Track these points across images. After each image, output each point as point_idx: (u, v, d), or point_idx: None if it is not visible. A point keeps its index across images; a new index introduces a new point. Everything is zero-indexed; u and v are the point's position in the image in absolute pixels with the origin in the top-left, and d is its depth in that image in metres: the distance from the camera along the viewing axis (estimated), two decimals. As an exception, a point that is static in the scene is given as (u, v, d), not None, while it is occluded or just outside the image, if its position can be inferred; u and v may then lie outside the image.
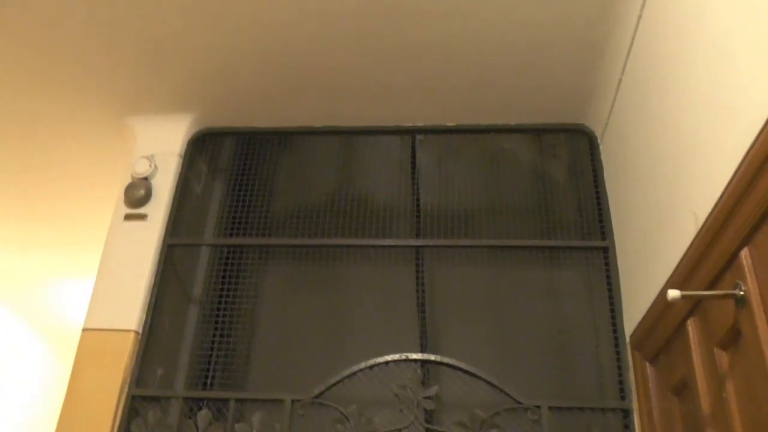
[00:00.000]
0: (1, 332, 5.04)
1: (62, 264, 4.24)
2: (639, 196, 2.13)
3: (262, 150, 2.84)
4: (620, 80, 2.30)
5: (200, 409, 2.30)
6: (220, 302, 2.57)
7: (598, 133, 2.64)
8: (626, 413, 2.16)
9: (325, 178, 2.80)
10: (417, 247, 2.53)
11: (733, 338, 1.45)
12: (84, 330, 2.42)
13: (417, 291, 2.51)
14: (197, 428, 2.25)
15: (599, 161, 2.60)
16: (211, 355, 2.51)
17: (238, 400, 2.29)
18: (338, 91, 2.66)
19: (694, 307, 1.66)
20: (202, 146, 2.87)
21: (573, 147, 2.71)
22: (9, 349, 5.11)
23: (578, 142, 2.70)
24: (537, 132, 2.74)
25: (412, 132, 2.79)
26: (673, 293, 1.40)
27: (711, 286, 1.54)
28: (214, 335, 2.54)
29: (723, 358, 1.51)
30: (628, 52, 2.20)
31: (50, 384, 5.62)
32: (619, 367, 2.23)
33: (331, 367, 2.32)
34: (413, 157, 2.77)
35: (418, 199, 2.67)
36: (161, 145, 2.76)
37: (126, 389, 2.32)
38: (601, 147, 2.62)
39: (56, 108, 2.83)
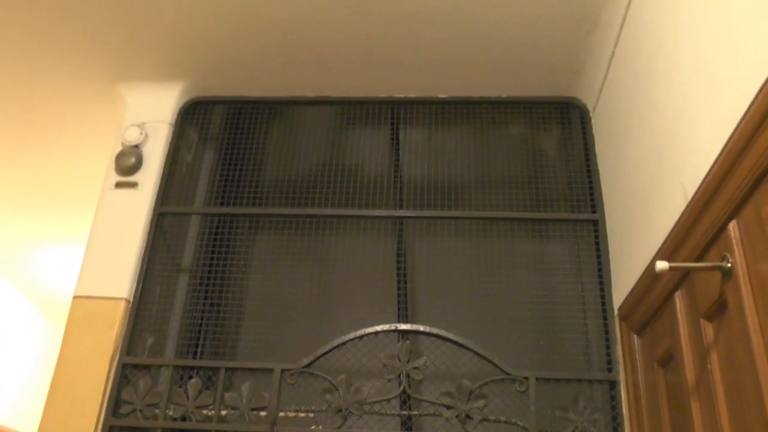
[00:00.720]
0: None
1: (52, 228, 4.23)
2: (629, 169, 2.14)
3: (252, 119, 2.83)
4: (613, 53, 2.30)
5: (190, 377, 2.31)
6: (209, 271, 2.57)
7: (589, 107, 2.64)
8: (612, 384, 2.18)
9: (316, 149, 2.79)
10: (403, 217, 2.54)
11: (719, 310, 1.47)
12: (75, 297, 2.42)
13: (400, 262, 2.52)
14: (187, 396, 2.27)
15: (590, 134, 2.60)
16: (200, 324, 2.52)
17: (228, 369, 2.30)
18: (330, 62, 2.65)
19: (681, 279, 1.67)
20: (193, 115, 2.85)
21: (564, 120, 2.71)
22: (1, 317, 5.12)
23: (570, 116, 2.70)
24: (528, 105, 2.73)
25: (402, 103, 2.78)
26: (661, 264, 1.41)
27: (699, 259, 1.55)
28: (203, 304, 2.55)
29: (709, 329, 1.52)
30: (621, 25, 2.19)
31: (42, 351, 5.63)
32: (607, 339, 2.25)
33: (320, 337, 2.34)
34: (397, 128, 2.77)
35: (400, 171, 2.67)
36: (152, 113, 2.75)
37: (117, 357, 2.33)
38: (592, 120, 2.62)
39: (46, 73, 2.81)
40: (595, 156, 2.55)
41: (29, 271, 4.95)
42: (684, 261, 1.60)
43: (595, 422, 2.14)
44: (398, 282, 2.50)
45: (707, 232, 1.49)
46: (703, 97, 1.53)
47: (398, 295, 2.47)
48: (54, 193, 3.76)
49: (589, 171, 2.54)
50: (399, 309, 2.45)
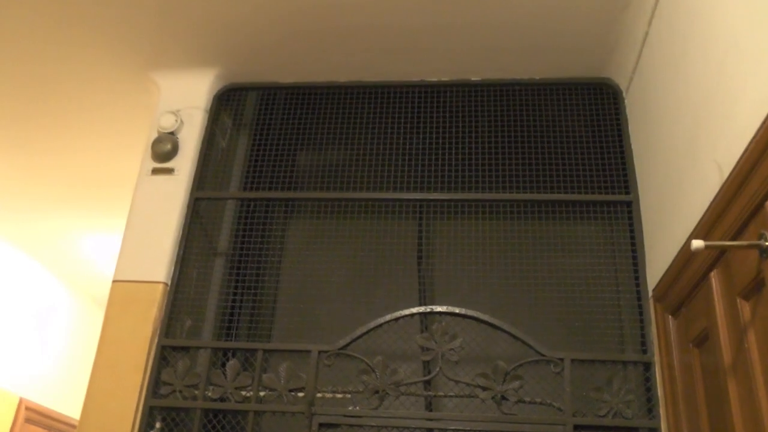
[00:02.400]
0: (36, 287, 5.14)
1: (90, 215, 4.30)
2: (663, 149, 2.12)
3: (286, 105, 2.85)
4: (646, 33, 2.28)
5: (227, 359, 2.35)
6: (245, 255, 2.61)
7: (623, 87, 2.62)
8: (647, 366, 2.18)
9: (350, 133, 2.81)
10: (436, 200, 2.54)
11: (756, 288, 1.46)
12: (114, 282, 2.47)
13: (431, 245, 2.54)
14: (226, 377, 2.31)
15: (624, 115, 2.59)
16: (237, 307, 2.56)
17: (265, 351, 2.34)
18: (363, 46, 2.66)
19: (717, 258, 1.67)
20: (227, 101, 2.89)
21: (598, 101, 2.69)
22: (43, 303, 5.22)
23: (603, 97, 2.68)
24: (561, 86, 2.72)
25: (437, 87, 2.79)
26: (697, 243, 1.41)
27: (735, 237, 1.54)
28: (238, 287, 2.59)
29: (746, 308, 1.52)
30: (655, 4, 2.17)
31: (84, 336, 5.75)
32: (641, 321, 2.25)
33: (354, 320, 2.36)
34: (429, 112, 2.76)
35: (428, 154, 2.67)
36: (186, 99, 2.78)
37: (156, 339, 2.38)
38: (626, 101, 2.61)
39: (81, 64, 2.86)
40: (628, 137, 2.54)
41: (69, 259, 5.05)
42: (720, 240, 1.60)
43: (629, 404, 2.14)
44: (424, 265, 2.52)
45: (744, 211, 1.48)
46: (739, 75, 1.51)
47: (428, 278, 2.49)
48: (91, 180, 3.83)
49: (622, 152, 2.53)
50: (432, 291, 2.47)
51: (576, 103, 2.71)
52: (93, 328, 5.66)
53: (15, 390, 4.82)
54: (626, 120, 2.57)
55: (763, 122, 1.37)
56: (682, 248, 1.86)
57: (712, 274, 1.70)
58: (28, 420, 4.93)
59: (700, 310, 1.80)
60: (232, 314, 2.56)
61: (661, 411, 2.08)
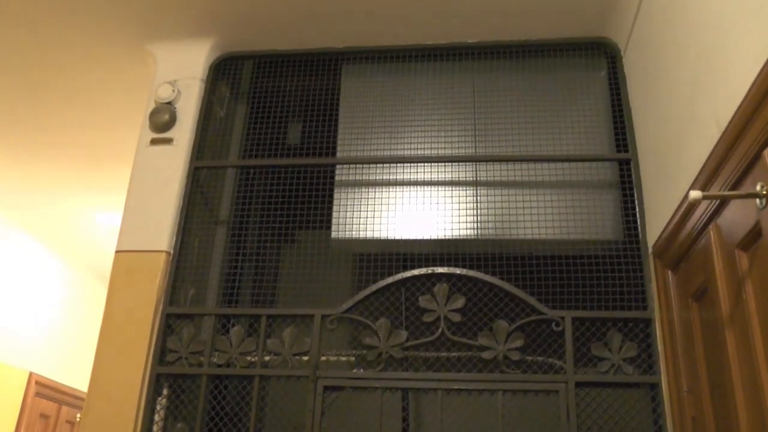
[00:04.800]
0: (38, 264, 5.18)
1: (89, 190, 4.31)
2: (662, 107, 2.12)
3: (283, 72, 2.85)
4: (643, -11, 2.26)
5: (232, 326, 2.37)
6: (246, 222, 2.62)
7: (621, 46, 2.61)
8: (647, 322, 2.20)
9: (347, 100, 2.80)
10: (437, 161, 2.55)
11: (753, 239, 1.47)
12: (117, 252, 2.48)
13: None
14: (231, 343, 2.33)
15: (622, 74, 2.58)
16: (239, 274, 2.58)
17: (269, 317, 2.36)
18: (358, 11, 2.64)
19: (715, 211, 1.67)
20: (224, 70, 2.88)
21: (595, 61, 2.68)
22: (46, 279, 5.26)
23: (601, 56, 2.67)
24: (559, 47, 2.71)
25: (432, 50, 2.77)
26: (695, 194, 1.42)
27: (734, 188, 1.55)
28: (240, 254, 2.60)
29: (743, 259, 1.53)
30: (652, -41, 2.16)
31: (88, 308, 5.80)
32: (642, 277, 2.26)
33: (356, 282, 2.38)
34: (419, 76, 2.76)
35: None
36: (183, 70, 2.77)
37: (160, 308, 2.40)
38: (624, 60, 2.60)
39: (76, 36, 2.85)
40: (627, 95, 2.53)
41: (71, 234, 5.07)
42: (718, 191, 1.60)
43: (630, 360, 2.16)
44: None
45: (741, 162, 1.48)
46: (735, 29, 1.51)
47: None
48: (92, 155, 3.83)
49: (621, 111, 2.53)
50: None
51: (574, 63, 2.69)
52: (97, 300, 5.70)
53: (24, 365, 4.87)
54: (624, 79, 2.57)
55: (759, 73, 1.37)
56: (681, 202, 1.87)
57: (711, 226, 1.71)
58: (38, 394, 4.99)
59: (699, 264, 1.81)
60: (236, 281, 2.57)
61: (661, 366, 2.10)
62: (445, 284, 2.31)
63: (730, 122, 1.52)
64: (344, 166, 2.61)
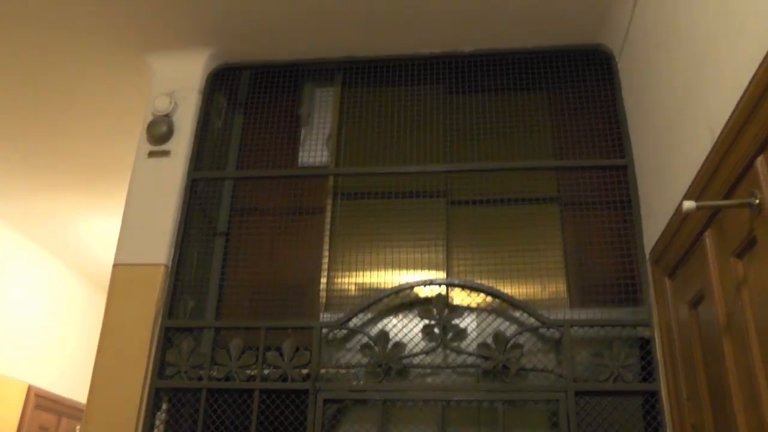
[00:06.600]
0: (36, 271, 5.17)
1: (87, 201, 4.31)
2: (656, 113, 2.12)
3: (280, 83, 2.85)
4: (637, -3, 2.27)
5: (231, 338, 2.37)
6: (244, 234, 2.62)
7: (615, 53, 2.61)
8: (646, 329, 2.20)
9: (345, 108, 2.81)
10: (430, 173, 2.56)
11: (748, 246, 1.47)
12: (115, 265, 2.49)
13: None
14: (230, 357, 2.33)
15: (617, 80, 2.59)
16: (238, 287, 2.58)
17: (268, 329, 2.35)
18: (354, 22, 2.65)
19: (710, 219, 1.67)
20: (221, 81, 2.88)
21: (590, 67, 2.68)
22: (47, 290, 5.25)
23: (596, 63, 2.68)
24: (555, 54, 2.71)
25: (429, 59, 2.78)
26: (688, 204, 1.42)
27: (727, 197, 1.55)
28: (241, 266, 2.60)
29: (739, 266, 1.53)
30: (644, -33, 2.17)
31: (87, 320, 5.79)
32: (639, 284, 2.26)
33: (356, 294, 2.38)
34: (417, 85, 2.77)
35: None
36: (180, 81, 2.78)
37: (159, 321, 2.39)
38: (618, 66, 2.60)
39: (73, 47, 2.86)
40: (622, 101, 2.54)
41: (72, 245, 5.07)
42: (712, 200, 1.60)
43: (630, 367, 2.16)
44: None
45: (734, 170, 1.48)
46: (728, 36, 1.51)
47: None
48: (90, 165, 3.83)
49: (616, 117, 2.53)
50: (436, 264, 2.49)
51: (569, 70, 2.70)
52: (96, 312, 5.70)
53: (23, 378, 4.86)
54: (619, 85, 2.57)
55: (750, 81, 1.37)
56: (676, 210, 1.87)
57: (706, 234, 1.71)
58: (38, 406, 4.98)
59: (695, 271, 1.81)
60: (235, 294, 2.57)
61: (661, 373, 2.10)
62: (443, 294, 2.31)
63: (723, 130, 1.52)
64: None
